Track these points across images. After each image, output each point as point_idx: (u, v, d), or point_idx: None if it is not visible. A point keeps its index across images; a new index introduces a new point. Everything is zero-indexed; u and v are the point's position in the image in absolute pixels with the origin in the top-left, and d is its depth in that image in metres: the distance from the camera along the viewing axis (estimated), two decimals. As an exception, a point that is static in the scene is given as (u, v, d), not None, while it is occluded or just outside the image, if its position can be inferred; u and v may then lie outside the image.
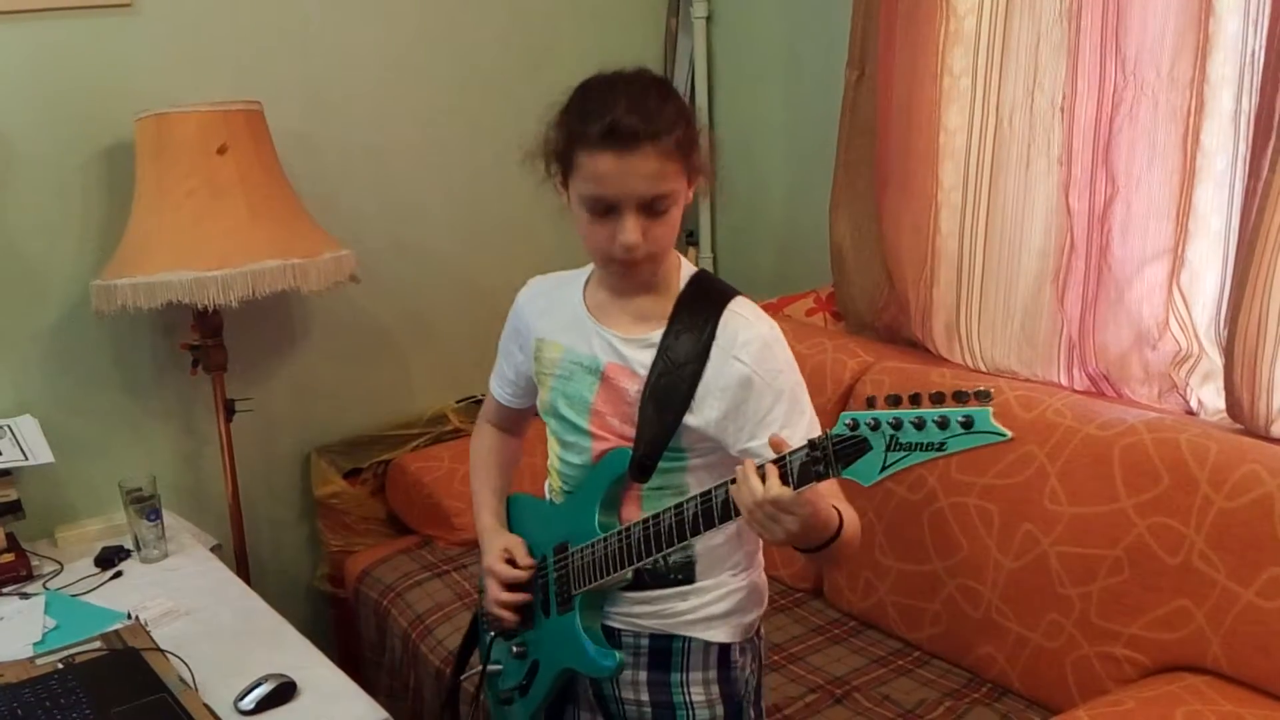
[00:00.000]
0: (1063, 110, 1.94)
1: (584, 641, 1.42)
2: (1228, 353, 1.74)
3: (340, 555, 2.58)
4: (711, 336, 1.35)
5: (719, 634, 1.42)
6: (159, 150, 2.08)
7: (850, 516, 1.32)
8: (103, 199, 2.23)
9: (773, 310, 2.57)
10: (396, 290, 2.66)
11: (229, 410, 2.29)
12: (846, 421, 1.12)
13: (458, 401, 2.79)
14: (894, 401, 1.10)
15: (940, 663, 1.97)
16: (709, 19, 2.86)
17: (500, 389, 1.64)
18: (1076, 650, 1.75)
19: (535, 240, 2.84)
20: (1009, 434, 1.05)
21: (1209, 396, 1.89)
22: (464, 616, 2.21)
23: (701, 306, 1.38)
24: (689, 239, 3.02)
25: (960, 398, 1.06)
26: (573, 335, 1.45)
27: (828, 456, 1.14)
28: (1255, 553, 1.55)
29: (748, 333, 1.35)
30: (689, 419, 1.35)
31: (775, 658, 2.01)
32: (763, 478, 1.18)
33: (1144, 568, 1.67)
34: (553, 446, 1.51)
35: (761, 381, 1.33)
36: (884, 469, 1.10)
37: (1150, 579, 1.66)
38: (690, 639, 1.42)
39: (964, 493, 1.91)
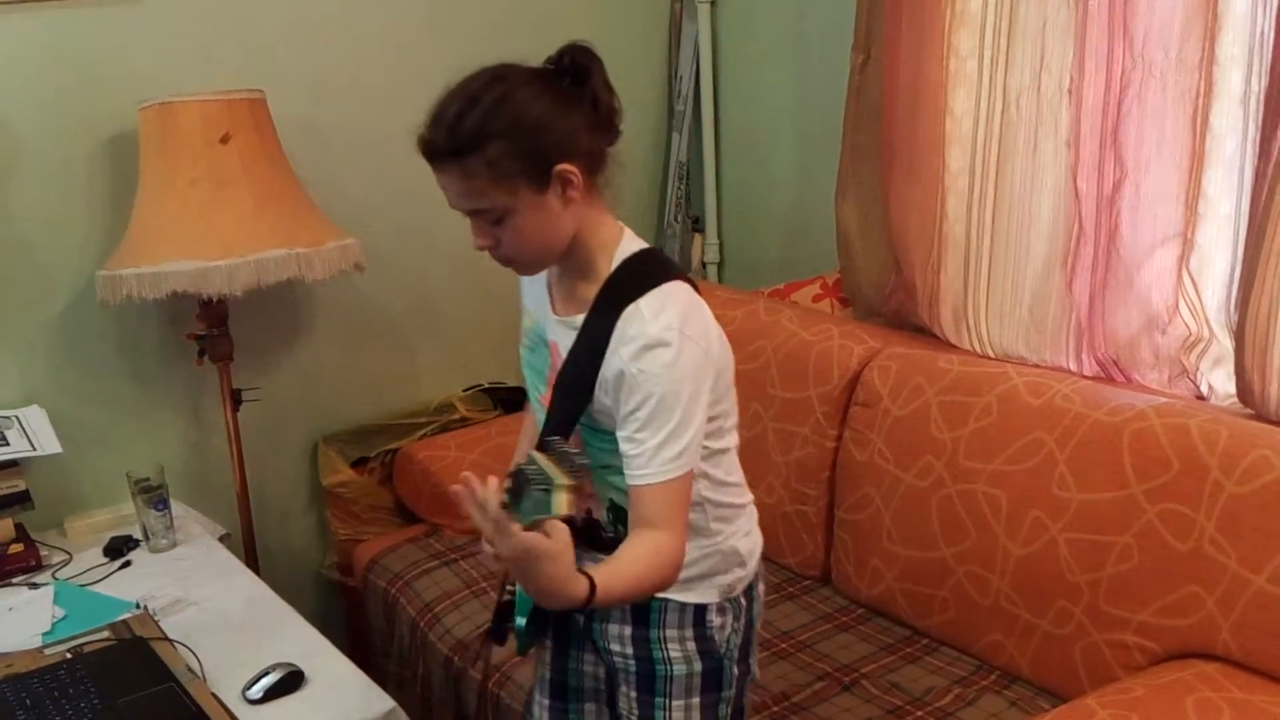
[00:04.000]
0: (1070, 93, 1.92)
1: (521, 597, 1.49)
2: (1238, 337, 1.73)
3: (348, 544, 2.58)
4: (610, 329, 1.32)
5: (693, 595, 1.44)
6: (163, 140, 2.07)
7: (617, 580, 1.25)
8: (107, 189, 2.22)
9: (779, 296, 2.56)
10: (402, 279, 2.65)
11: (236, 400, 2.29)
12: (525, 459, 1.19)
13: (464, 390, 2.78)
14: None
15: (948, 650, 1.96)
16: (713, 2, 2.84)
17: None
18: (1086, 637, 1.74)
19: (541, 228, 2.83)
20: (554, 511, 1.13)
21: (1219, 381, 1.88)
22: (472, 605, 2.21)
23: (618, 297, 1.34)
24: (694, 225, 3.01)
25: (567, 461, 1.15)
26: (539, 307, 1.47)
27: (510, 492, 1.17)
28: (1266, 539, 1.54)
29: (636, 329, 1.30)
30: (592, 406, 1.35)
31: (783, 645, 2.01)
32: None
33: (1154, 554, 1.66)
34: None
35: (633, 379, 1.28)
36: (526, 517, 1.14)
37: (1160, 565, 1.65)
38: (667, 600, 1.44)
39: (972, 479, 1.90)
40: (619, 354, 1.30)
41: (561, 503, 1.13)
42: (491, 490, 1.14)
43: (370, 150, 2.54)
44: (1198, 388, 1.90)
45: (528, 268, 1.40)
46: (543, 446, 1.34)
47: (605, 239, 1.39)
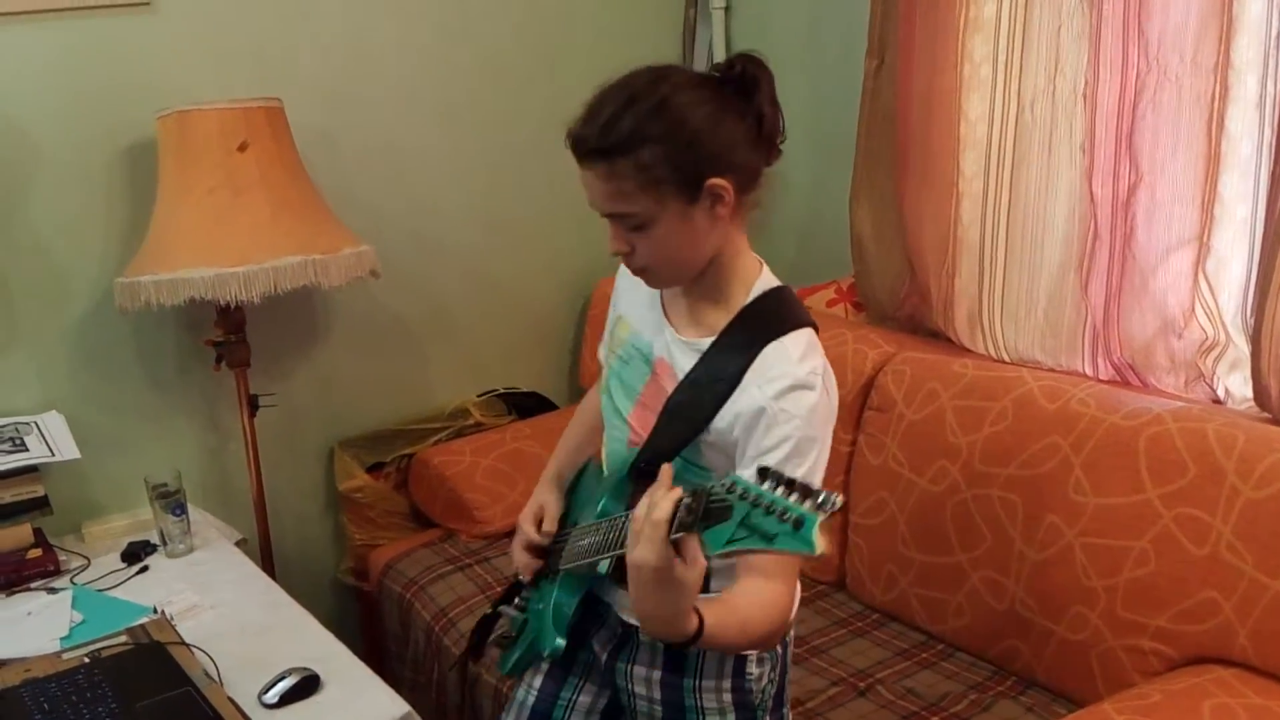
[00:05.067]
0: (1085, 97, 1.92)
1: (547, 615, 1.43)
2: (1255, 341, 1.72)
3: (364, 549, 2.60)
4: (750, 362, 1.26)
5: None
6: (181, 148, 2.09)
7: (725, 625, 1.17)
8: (125, 197, 2.24)
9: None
10: (417, 285, 2.67)
11: (252, 405, 2.31)
12: (725, 483, 1.01)
13: (479, 395, 2.79)
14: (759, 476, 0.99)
15: (964, 655, 1.96)
16: (727, 9, 2.85)
17: (602, 352, 1.59)
18: (1102, 643, 1.73)
19: (554, 234, 2.84)
20: (817, 550, 0.93)
21: (1236, 385, 1.87)
22: (487, 610, 2.21)
23: (756, 329, 1.28)
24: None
25: (810, 495, 0.95)
26: (644, 320, 1.41)
27: (696, 511, 1.02)
28: (1283, 543, 1.54)
29: (781, 368, 1.25)
30: (705, 436, 1.29)
31: (797, 650, 2.00)
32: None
33: (1170, 559, 1.65)
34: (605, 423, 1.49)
35: (773, 416, 1.23)
36: (728, 543, 0.98)
37: (1177, 570, 1.64)
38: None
39: (987, 484, 1.89)
40: (761, 390, 1.24)
41: (821, 541, 0.95)
42: (670, 497, 1.05)
43: (384, 158, 2.56)
44: (1214, 392, 1.89)
45: (661, 281, 1.34)
46: (646, 473, 1.26)
47: (744, 269, 1.34)
